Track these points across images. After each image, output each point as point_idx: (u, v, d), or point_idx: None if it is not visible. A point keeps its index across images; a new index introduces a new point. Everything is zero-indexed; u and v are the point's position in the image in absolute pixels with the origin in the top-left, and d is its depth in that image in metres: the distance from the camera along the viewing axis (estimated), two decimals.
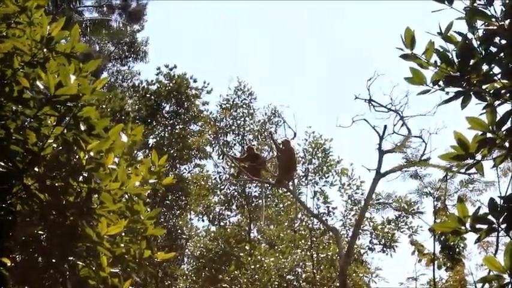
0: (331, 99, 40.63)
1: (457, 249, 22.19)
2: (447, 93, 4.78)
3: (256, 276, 20.94)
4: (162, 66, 24.57)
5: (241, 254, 22.22)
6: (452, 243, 21.14)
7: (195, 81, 24.64)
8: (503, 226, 4.48)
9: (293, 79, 44.86)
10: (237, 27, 50.23)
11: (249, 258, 21.49)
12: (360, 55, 42.63)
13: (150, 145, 23.21)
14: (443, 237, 20.56)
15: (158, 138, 23.92)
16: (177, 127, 24.03)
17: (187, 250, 24.92)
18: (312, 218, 22.42)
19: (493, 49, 4.64)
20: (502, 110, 4.60)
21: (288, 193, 22.37)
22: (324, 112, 36.44)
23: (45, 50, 5.76)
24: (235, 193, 25.09)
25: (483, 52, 4.64)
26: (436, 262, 21.60)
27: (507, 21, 4.55)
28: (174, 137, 23.65)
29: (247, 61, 45.43)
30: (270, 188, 23.57)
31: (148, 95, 24.20)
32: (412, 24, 4.81)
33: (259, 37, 48.50)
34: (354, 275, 21.73)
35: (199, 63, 42.84)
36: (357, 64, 39.51)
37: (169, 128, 24.08)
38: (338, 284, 18.84)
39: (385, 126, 16.71)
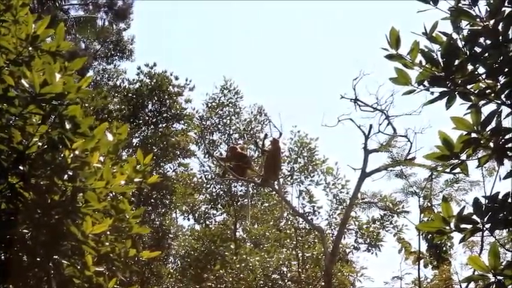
0: (318, 98, 40.70)
1: (444, 248, 22.27)
2: (432, 93, 4.80)
3: (241, 275, 20.89)
4: (142, 65, 24.44)
5: (227, 253, 22.17)
6: (439, 242, 21.20)
7: (176, 78, 24.42)
8: (487, 226, 4.50)
9: (280, 78, 44.96)
10: (226, 27, 50.33)
11: (234, 257, 21.45)
12: (348, 55, 42.70)
13: (134, 144, 23.10)
14: (429, 235, 20.61)
15: (142, 137, 23.78)
16: (160, 126, 23.88)
17: (172, 249, 24.86)
18: (297, 217, 22.40)
19: (478, 49, 4.65)
20: (486, 110, 4.62)
21: (274, 192, 22.36)
22: (311, 112, 36.48)
23: (30, 48, 5.74)
24: (221, 192, 25.04)
25: (468, 52, 4.65)
26: (422, 261, 21.67)
27: (491, 22, 4.57)
28: (158, 136, 23.51)
29: (235, 60, 45.49)
30: (255, 187, 23.55)
31: (130, 94, 24.01)
32: (397, 25, 4.83)
33: (247, 37, 48.63)
34: (339, 274, 21.71)
35: (188, 62, 42.90)
36: (345, 64, 39.61)
37: (152, 126, 23.92)
38: (323, 283, 18.84)
39: (371, 126, 16.75)
